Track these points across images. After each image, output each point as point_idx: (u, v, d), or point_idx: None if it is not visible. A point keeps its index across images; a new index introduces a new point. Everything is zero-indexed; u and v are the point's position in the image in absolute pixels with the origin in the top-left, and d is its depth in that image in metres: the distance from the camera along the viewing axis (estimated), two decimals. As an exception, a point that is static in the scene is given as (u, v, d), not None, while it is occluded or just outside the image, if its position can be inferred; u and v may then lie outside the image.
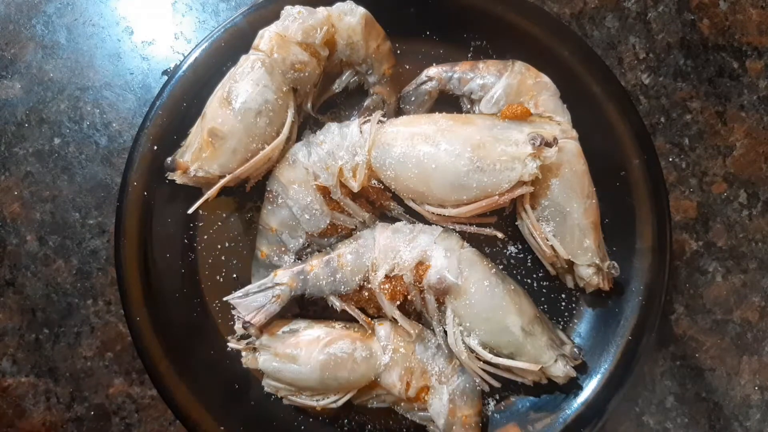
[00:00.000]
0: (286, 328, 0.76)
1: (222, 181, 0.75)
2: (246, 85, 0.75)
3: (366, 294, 0.76)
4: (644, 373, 0.86)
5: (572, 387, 0.78)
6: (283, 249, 0.78)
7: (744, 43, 0.91)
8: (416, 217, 0.79)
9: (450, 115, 0.78)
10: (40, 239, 0.86)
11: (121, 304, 0.77)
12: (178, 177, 0.76)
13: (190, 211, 0.77)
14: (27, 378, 0.84)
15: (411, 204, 0.77)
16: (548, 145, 0.72)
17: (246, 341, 0.76)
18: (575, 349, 0.76)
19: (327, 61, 0.79)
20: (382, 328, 0.76)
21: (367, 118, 0.77)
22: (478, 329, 0.74)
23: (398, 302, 0.75)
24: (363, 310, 0.77)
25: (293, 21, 0.76)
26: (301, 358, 0.74)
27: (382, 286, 0.74)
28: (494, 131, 0.74)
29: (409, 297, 0.75)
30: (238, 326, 0.76)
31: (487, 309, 0.74)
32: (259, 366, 0.75)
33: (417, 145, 0.73)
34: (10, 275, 0.85)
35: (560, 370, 0.75)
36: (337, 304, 0.76)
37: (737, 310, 0.88)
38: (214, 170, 0.75)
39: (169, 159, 0.76)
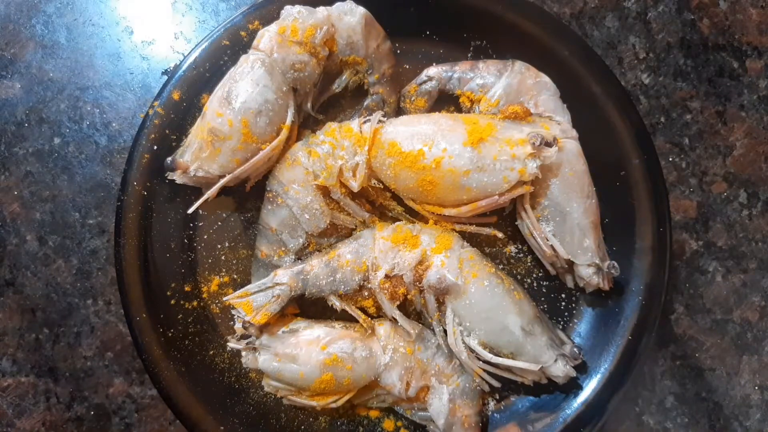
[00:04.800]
0: (286, 329, 0.76)
1: (222, 181, 0.75)
2: (246, 85, 0.75)
3: (366, 294, 0.76)
4: (644, 373, 0.86)
5: (572, 387, 0.78)
6: (283, 249, 0.78)
7: (744, 43, 0.91)
8: (416, 216, 0.79)
9: (450, 115, 0.78)
10: (40, 239, 0.86)
11: (121, 304, 0.77)
12: (178, 177, 0.76)
13: (189, 211, 0.77)
14: (27, 378, 0.84)
15: (411, 204, 0.77)
16: (548, 144, 0.72)
17: (246, 341, 0.76)
18: (575, 349, 0.76)
19: (327, 61, 0.79)
20: (382, 328, 0.76)
21: (367, 117, 0.77)
22: (478, 329, 0.74)
23: (398, 302, 0.75)
24: (363, 310, 0.77)
25: (293, 21, 0.76)
26: (301, 358, 0.74)
27: (382, 286, 0.74)
28: (496, 132, 0.74)
29: (409, 297, 0.75)
30: (238, 326, 0.76)
31: (487, 309, 0.74)
32: (259, 366, 0.75)
33: (417, 145, 0.73)
34: (10, 275, 0.85)
35: (560, 369, 0.75)
36: (337, 303, 0.76)
37: (737, 310, 0.88)
38: (214, 170, 0.75)
39: (169, 159, 0.76)
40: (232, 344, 0.77)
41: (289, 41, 0.75)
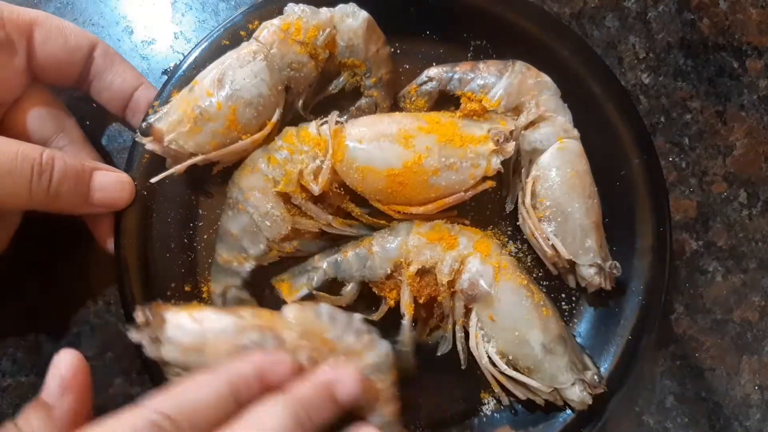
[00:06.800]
0: (191, 319, 0.69)
1: (192, 160, 0.74)
2: (244, 74, 0.73)
3: (392, 285, 0.76)
4: (644, 373, 0.86)
5: (572, 387, 0.78)
6: (243, 255, 0.77)
7: (744, 43, 0.91)
8: (379, 216, 0.78)
9: (411, 114, 0.78)
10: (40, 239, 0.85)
11: (121, 304, 0.77)
12: (148, 143, 0.74)
13: (153, 181, 0.75)
14: (27, 378, 0.84)
15: (377, 204, 0.77)
16: (507, 140, 0.73)
17: (147, 332, 0.68)
18: (596, 377, 0.74)
19: (326, 63, 0.78)
20: (290, 312, 0.71)
21: (325, 120, 0.76)
22: (499, 337, 0.74)
23: (423, 300, 0.74)
24: (378, 298, 0.77)
25: (297, 19, 0.76)
26: (208, 349, 0.67)
27: (410, 281, 0.74)
28: (458, 130, 0.74)
29: (439, 298, 0.75)
30: (138, 314, 0.69)
31: (512, 320, 0.73)
32: (163, 357, 0.68)
33: (385, 147, 0.73)
34: (11, 276, 0.85)
35: (576, 394, 0.74)
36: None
37: (737, 310, 0.88)
38: (188, 147, 0.74)
39: (144, 123, 0.73)
40: (132, 336, 0.69)
41: (291, 39, 0.75)
